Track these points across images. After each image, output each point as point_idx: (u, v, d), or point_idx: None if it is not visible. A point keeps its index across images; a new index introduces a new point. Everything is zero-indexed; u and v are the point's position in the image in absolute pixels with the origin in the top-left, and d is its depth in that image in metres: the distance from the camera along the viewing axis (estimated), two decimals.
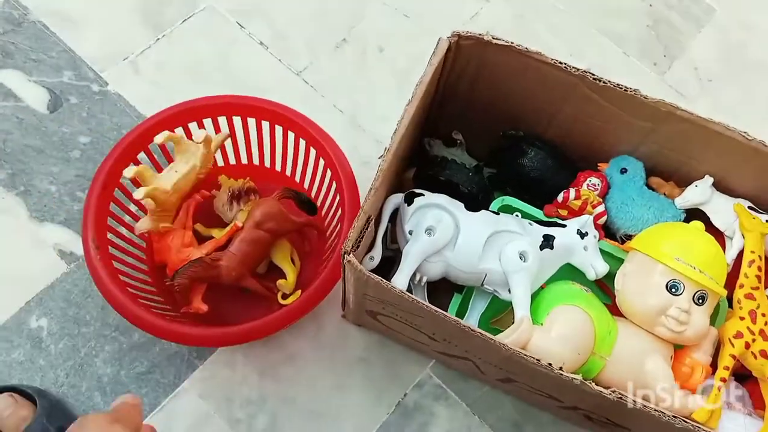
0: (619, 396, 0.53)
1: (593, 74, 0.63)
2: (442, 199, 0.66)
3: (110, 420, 0.44)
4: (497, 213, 0.68)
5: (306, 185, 0.87)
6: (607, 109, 0.67)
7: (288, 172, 0.88)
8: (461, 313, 0.69)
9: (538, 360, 0.54)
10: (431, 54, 0.64)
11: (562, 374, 0.53)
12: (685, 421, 0.53)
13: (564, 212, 0.71)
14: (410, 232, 0.64)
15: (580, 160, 0.75)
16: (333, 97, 0.99)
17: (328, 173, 0.79)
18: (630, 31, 1.11)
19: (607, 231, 0.73)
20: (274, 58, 1.01)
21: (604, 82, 0.63)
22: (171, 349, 0.79)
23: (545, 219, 0.71)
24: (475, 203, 0.68)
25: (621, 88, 0.63)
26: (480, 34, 0.64)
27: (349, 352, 0.82)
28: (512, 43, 0.64)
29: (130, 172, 0.70)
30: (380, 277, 0.55)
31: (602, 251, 0.69)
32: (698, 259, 0.60)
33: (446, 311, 0.68)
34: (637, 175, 0.71)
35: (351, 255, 0.55)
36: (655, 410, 0.53)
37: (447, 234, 0.63)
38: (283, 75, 1.00)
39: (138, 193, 0.70)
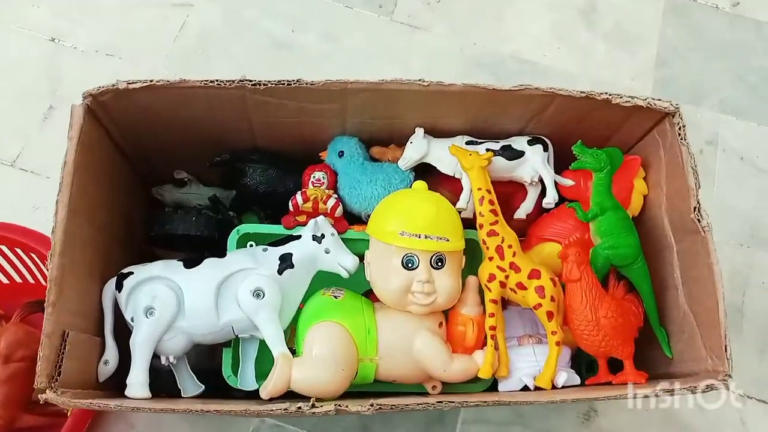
0: (378, 407, 0.50)
1: (250, 80, 0.58)
2: (154, 268, 0.60)
3: None
4: (223, 255, 0.62)
5: None
6: (288, 105, 0.62)
7: (30, 279, 0.79)
8: (237, 365, 0.64)
9: (286, 409, 0.50)
10: (68, 127, 0.56)
11: (314, 413, 0.50)
12: (452, 402, 0.51)
13: (302, 218, 0.67)
14: (132, 320, 0.58)
15: (305, 155, 0.71)
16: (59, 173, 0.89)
17: None
18: None
19: (353, 217, 0.69)
20: None
21: (264, 85, 0.58)
22: None
23: (285, 234, 0.66)
24: (212, 245, 0.62)
25: (284, 84, 0.59)
26: (113, 85, 0.57)
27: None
28: (152, 81, 0.57)
29: None
30: (101, 400, 0.49)
31: (354, 240, 0.65)
32: (422, 225, 0.57)
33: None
34: (354, 154, 0.67)
35: (51, 391, 0.49)
36: (418, 404, 0.51)
37: (169, 307, 0.57)
38: None
39: None
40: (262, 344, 0.64)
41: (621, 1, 1.10)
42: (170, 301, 0.57)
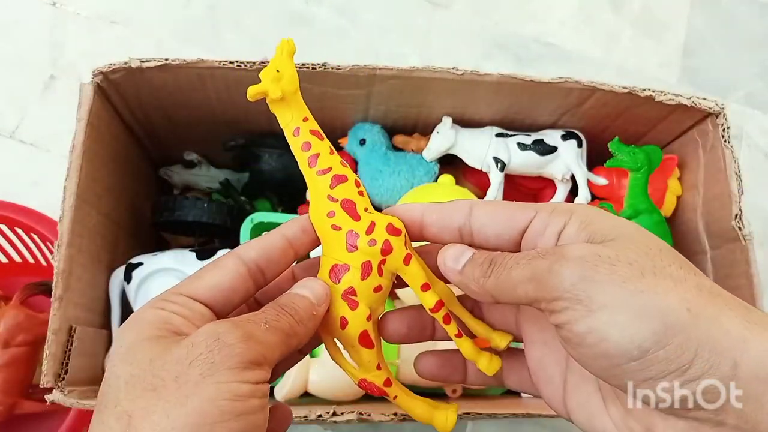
0: (402, 417, 0.48)
1: (266, 63, 0.54)
2: (165, 259, 0.57)
3: (244, 363, 0.24)
4: (235, 245, 0.59)
5: None
6: (310, 89, 0.58)
7: (30, 258, 0.75)
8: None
9: (306, 416, 0.47)
10: (77, 107, 0.52)
11: (335, 421, 0.47)
12: (479, 414, 0.48)
13: None
14: None
15: None
16: (61, 147, 0.85)
17: None
18: None
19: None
20: None
21: None
22: None
23: None
24: (221, 235, 0.59)
25: (308, 67, 0.55)
26: (125, 63, 0.53)
27: None
28: (167, 59, 0.53)
29: None
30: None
31: None
32: None
33: None
34: (377, 142, 0.64)
35: (58, 391, 0.46)
36: None
37: None
38: None
39: None
40: None
41: None
42: None
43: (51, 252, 0.70)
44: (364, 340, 0.31)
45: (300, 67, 0.54)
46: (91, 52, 0.90)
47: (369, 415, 0.47)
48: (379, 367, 0.32)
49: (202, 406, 0.22)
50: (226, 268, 0.29)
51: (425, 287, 0.31)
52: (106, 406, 0.23)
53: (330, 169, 0.31)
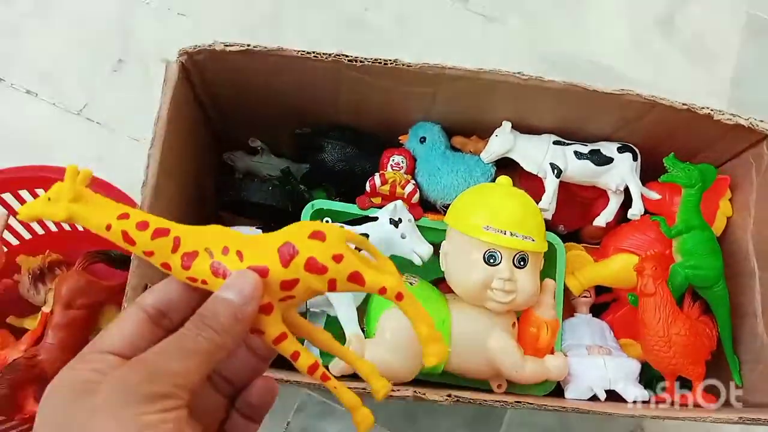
0: (456, 399, 0.49)
1: (347, 56, 0.57)
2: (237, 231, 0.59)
3: (145, 398, 0.26)
4: None
5: None
6: (380, 84, 0.61)
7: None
8: (301, 340, 0.63)
9: (364, 389, 0.49)
10: (162, 83, 0.55)
11: (391, 395, 0.49)
12: (519, 403, 0.50)
13: (378, 200, 0.66)
14: None
15: (384, 137, 0.70)
16: (124, 127, 0.89)
17: None
18: None
19: (427, 204, 0.68)
20: (48, 104, 0.89)
21: (360, 62, 0.57)
22: None
23: (360, 214, 0.65)
24: (280, 219, 0.61)
25: (380, 62, 0.57)
26: (210, 45, 0.56)
27: None
28: (249, 45, 0.56)
29: None
30: None
31: (428, 228, 0.64)
32: (508, 222, 0.56)
33: None
34: (437, 141, 0.66)
35: None
36: (496, 401, 0.50)
37: None
38: (62, 119, 0.89)
39: None
40: (329, 321, 0.64)
41: (699, 14, 1.07)
42: None
43: None
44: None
45: (372, 62, 0.57)
46: (158, 41, 0.94)
47: (424, 394, 0.49)
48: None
49: None
50: (128, 317, 0.30)
51: (279, 340, 0.31)
52: None
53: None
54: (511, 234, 0.56)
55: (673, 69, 1.03)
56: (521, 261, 0.57)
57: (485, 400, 0.50)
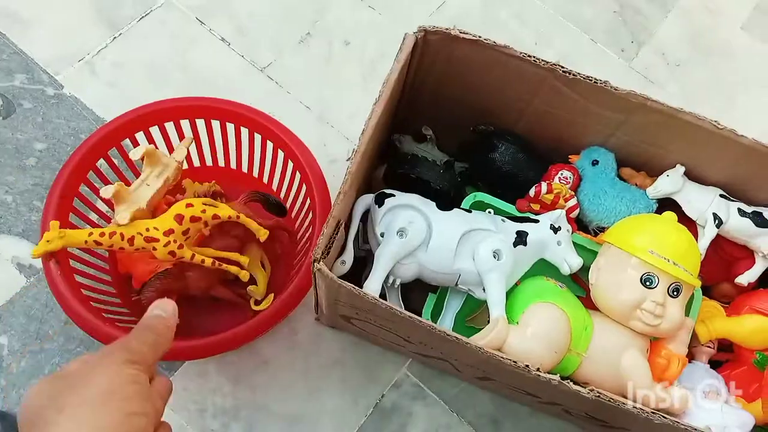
0: (597, 394, 0.52)
1: (563, 67, 0.62)
2: (413, 199, 0.64)
3: (124, 361, 0.40)
4: (469, 211, 0.66)
5: (275, 186, 0.84)
6: (578, 101, 0.66)
7: (255, 174, 0.86)
8: (436, 313, 0.68)
9: (516, 362, 0.53)
10: (398, 50, 0.62)
11: (539, 375, 0.52)
12: (664, 417, 0.52)
13: (536, 206, 0.71)
14: (382, 235, 0.63)
15: (551, 152, 0.74)
16: (299, 93, 0.97)
17: (298, 175, 0.77)
18: (597, 18, 1.11)
19: (580, 224, 0.72)
20: (237, 55, 0.98)
21: (573, 75, 0.62)
22: None
23: (518, 215, 0.70)
24: (446, 201, 0.66)
25: (591, 81, 0.62)
26: (447, 29, 0.62)
27: (324, 356, 0.80)
28: (480, 37, 0.62)
29: (107, 192, 0.63)
30: (352, 285, 0.54)
31: (576, 244, 0.68)
32: (672, 251, 0.59)
33: (421, 311, 0.68)
34: (608, 167, 0.70)
35: (321, 263, 0.54)
36: (634, 407, 0.52)
37: (419, 235, 0.62)
38: (246, 72, 0.97)
39: (122, 217, 0.64)
40: (467, 300, 0.68)
41: None
42: (421, 231, 0.62)
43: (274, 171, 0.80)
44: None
45: (585, 78, 0.62)
46: (345, 26, 1.02)
47: (569, 382, 0.52)
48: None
49: (107, 380, 0.39)
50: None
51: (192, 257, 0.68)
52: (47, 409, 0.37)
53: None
54: (674, 263, 0.59)
55: None
56: (675, 291, 0.60)
57: (624, 403, 0.52)
